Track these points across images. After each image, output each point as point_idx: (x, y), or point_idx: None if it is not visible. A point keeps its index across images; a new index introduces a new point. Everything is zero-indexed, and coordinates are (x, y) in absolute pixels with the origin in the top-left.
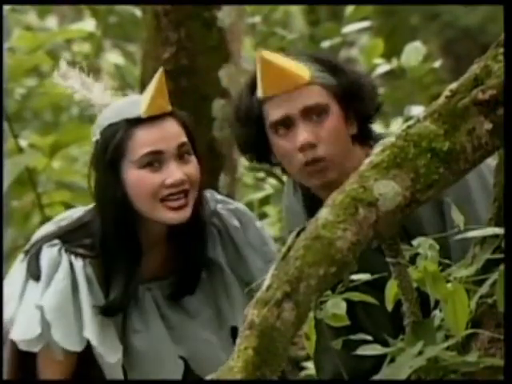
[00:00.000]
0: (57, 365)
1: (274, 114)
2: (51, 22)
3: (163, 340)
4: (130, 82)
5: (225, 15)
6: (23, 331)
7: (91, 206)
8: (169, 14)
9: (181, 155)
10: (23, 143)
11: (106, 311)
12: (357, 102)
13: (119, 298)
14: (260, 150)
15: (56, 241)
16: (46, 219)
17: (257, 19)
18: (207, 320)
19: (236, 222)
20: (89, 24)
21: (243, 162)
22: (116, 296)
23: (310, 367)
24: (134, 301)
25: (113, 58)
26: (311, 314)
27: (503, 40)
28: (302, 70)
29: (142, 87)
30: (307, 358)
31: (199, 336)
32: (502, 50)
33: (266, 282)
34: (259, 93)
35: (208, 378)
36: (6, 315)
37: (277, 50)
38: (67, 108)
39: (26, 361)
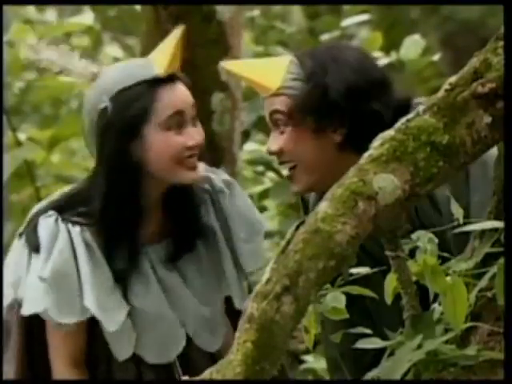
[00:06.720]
0: (65, 336)
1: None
2: (50, 15)
3: (162, 302)
4: None
5: (224, 8)
6: (31, 306)
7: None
8: (168, 7)
9: (193, 118)
10: (22, 137)
11: (116, 278)
12: (327, 111)
13: (127, 262)
14: None
15: (51, 212)
16: None
17: (256, 12)
18: (199, 290)
19: (225, 189)
20: (88, 17)
21: (242, 155)
22: (123, 261)
23: (309, 361)
24: (134, 265)
25: (112, 51)
26: (310, 308)
27: (503, 33)
28: (269, 79)
29: None
30: (306, 352)
31: (193, 303)
32: (501, 43)
33: (266, 276)
34: None
35: (207, 371)
36: (18, 295)
37: (276, 43)
38: (66, 101)
39: (33, 340)
